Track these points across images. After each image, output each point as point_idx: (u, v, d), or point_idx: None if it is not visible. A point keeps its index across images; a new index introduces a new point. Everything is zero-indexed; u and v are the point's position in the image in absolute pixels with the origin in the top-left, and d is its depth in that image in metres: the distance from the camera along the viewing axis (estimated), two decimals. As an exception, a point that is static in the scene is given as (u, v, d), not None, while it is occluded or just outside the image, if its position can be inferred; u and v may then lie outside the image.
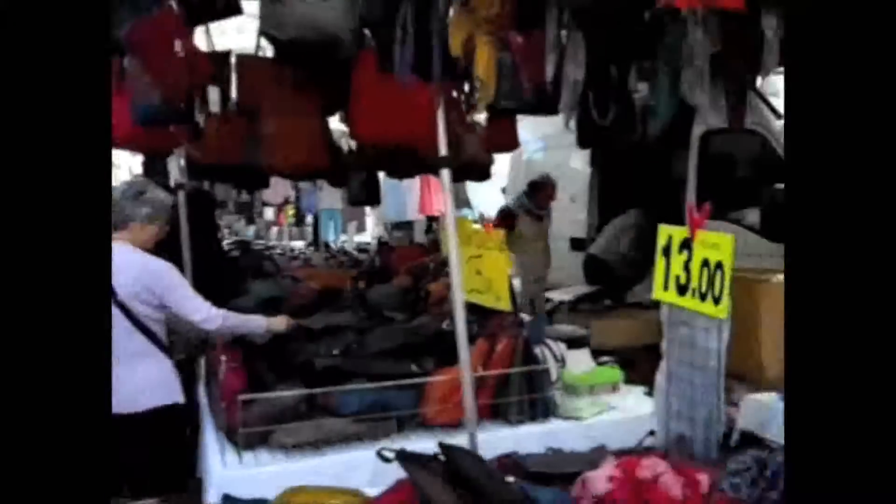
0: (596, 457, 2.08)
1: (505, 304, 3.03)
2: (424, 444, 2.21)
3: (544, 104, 2.79)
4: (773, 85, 4.42)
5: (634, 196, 6.20)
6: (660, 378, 2.29)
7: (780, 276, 4.31)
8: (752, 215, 4.87)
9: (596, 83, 2.58)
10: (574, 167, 6.86)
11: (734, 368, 3.45)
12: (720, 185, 5.35)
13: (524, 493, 1.71)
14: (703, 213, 2.08)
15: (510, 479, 1.77)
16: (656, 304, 6.39)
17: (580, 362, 3.28)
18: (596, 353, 3.55)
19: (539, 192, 5.87)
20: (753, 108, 4.52)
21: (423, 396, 2.72)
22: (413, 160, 4.75)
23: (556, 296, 6.00)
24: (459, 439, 2.35)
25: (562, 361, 3.05)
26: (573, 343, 3.48)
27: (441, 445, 1.71)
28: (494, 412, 2.80)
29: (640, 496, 1.45)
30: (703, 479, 1.51)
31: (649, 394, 3.21)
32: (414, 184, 9.07)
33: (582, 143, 3.29)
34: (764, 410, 2.50)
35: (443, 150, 2.40)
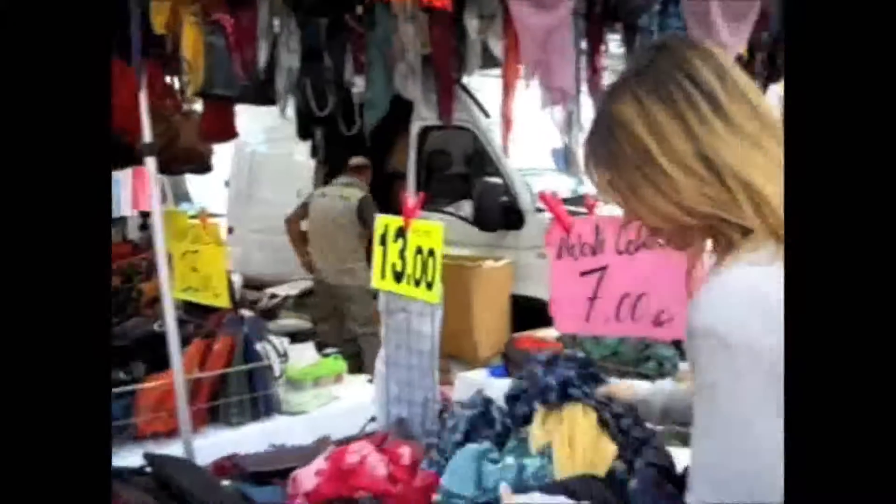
0: (319, 448, 2.06)
1: (223, 301, 2.90)
2: (136, 457, 2.03)
3: (260, 93, 2.71)
4: (479, 83, 4.74)
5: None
6: (379, 364, 2.33)
7: (491, 262, 4.67)
8: (466, 207, 5.21)
9: (312, 73, 2.56)
10: (298, 160, 6.80)
11: (451, 350, 3.67)
12: (437, 179, 5.66)
13: (240, 494, 1.65)
14: (417, 203, 2.15)
15: (226, 482, 1.69)
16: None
17: (304, 356, 3.26)
18: (321, 346, 3.56)
19: (359, 175, 5.60)
20: (463, 105, 4.83)
21: (133, 405, 2.50)
22: (121, 150, 4.36)
23: (281, 290, 5.90)
24: (174, 448, 2.20)
25: (285, 356, 2.99)
26: (297, 337, 3.44)
27: (146, 456, 1.58)
28: (214, 415, 2.67)
29: (347, 483, 1.46)
30: (406, 452, 1.56)
31: (371, 381, 3.29)
32: (127, 176, 8.36)
33: (302, 134, 3.26)
34: (476, 386, 2.68)
35: (146, 137, 2.22)
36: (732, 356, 0.90)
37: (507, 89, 2.38)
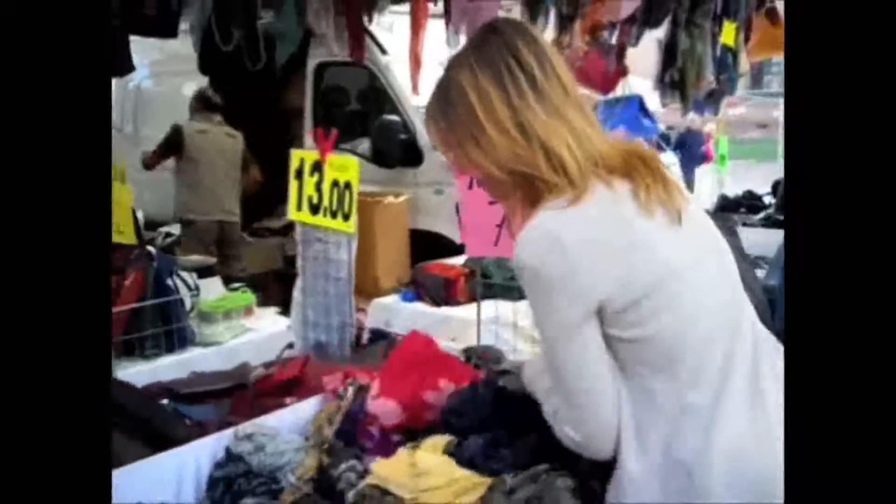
0: (243, 371, 2.17)
1: (128, 238, 2.91)
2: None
3: (165, 24, 2.67)
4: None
5: (250, 125, 6.21)
6: (296, 293, 2.45)
7: (391, 198, 4.79)
8: (364, 144, 5.28)
9: (219, 5, 2.54)
10: (186, 95, 6.59)
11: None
12: (333, 116, 5.67)
13: (177, 412, 1.75)
14: (331, 138, 2.25)
15: (164, 401, 1.78)
16: (277, 233, 6.55)
17: (212, 290, 3.31)
18: (227, 281, 3.60)
19: (220, 114, 5.41)
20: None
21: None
22: None
23: (175, 229, 5.80)
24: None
25: (196, 290, 3.04)
26: (203, 272, 3.47)
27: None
28: (128, 349, 2.70)
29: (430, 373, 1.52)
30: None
31: (282, 313, 3.40)
32: None
33: (204, 69, 3.22)
34: (387, 311, 2.85)
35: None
36: (537, 283, 1.13)
37: (416, 27, 2.47)
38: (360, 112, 5.63)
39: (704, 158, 7.26)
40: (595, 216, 1.13)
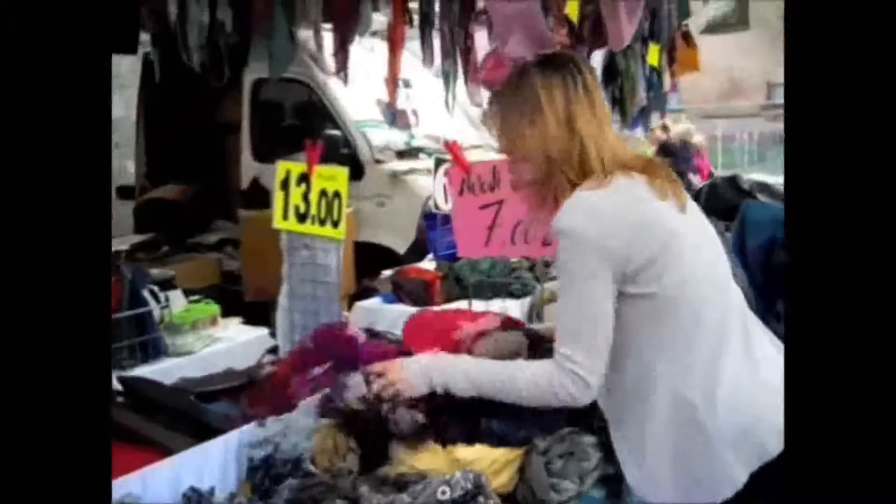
0: (240, 371, 2.26)
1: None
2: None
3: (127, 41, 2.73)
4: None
5: (183, 141, 6.20)
6: (282, 299, 2.55)
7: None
8: (302, 159, 5.37)
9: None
10: (116, 114, 6.50)
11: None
12: (269, 131, 5.73)
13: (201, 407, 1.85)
14: (318, 150, 2.40)
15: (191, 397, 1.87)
16: (212, 248, 6.45)
17: (176, 302, 3.35)
18: (187, 293, 3.64)
19: None
20: (298, 59, 4.96)
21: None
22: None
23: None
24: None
25: (165, 302, 3.08)
26: (164, 285, 3.49)
27: (121, 380, 1.73)
28: (105, 359, 2.73)
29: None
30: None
31: (245, 322, 3.48)
32: None
33: (164, 84, 3.26)
34: (372, 313, 2.99)
35: None
36: (573, 243, 1.40)
37: (394, 48, 2.64)
38: (297, 127, 5.72)
39: (696, 170, 7.50)
40: (619, 195, 1.44)
